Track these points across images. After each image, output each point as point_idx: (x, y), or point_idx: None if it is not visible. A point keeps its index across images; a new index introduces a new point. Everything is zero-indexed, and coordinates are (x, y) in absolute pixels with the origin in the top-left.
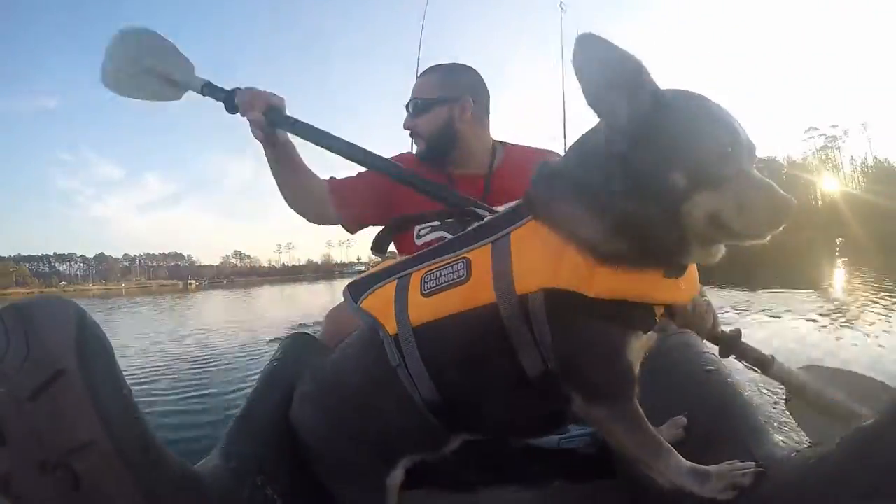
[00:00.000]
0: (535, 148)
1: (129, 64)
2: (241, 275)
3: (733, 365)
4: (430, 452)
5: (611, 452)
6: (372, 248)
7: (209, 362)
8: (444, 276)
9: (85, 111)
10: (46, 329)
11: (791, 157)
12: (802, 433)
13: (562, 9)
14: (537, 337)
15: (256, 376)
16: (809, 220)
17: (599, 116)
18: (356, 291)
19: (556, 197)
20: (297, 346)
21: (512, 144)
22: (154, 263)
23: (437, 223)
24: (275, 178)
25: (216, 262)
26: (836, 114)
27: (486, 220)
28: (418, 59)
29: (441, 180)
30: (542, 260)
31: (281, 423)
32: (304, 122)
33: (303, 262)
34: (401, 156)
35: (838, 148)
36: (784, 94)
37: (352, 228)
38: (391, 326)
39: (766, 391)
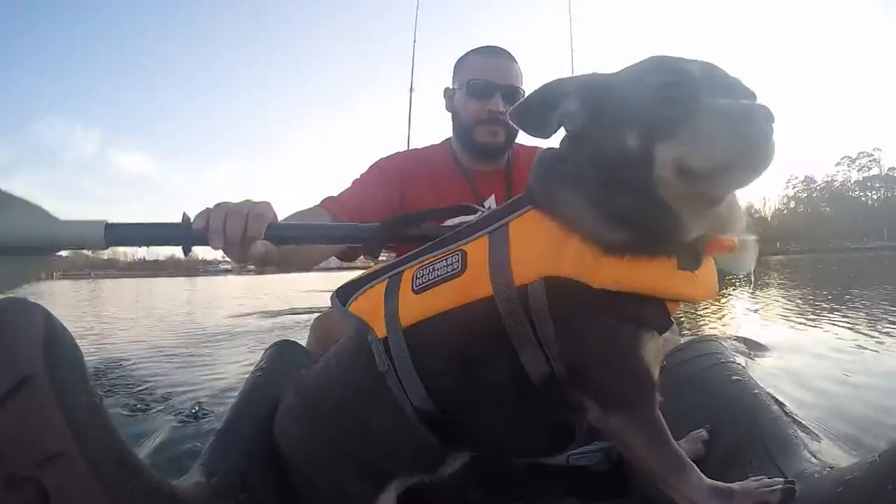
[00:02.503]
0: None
1: None
2: (99, 268)
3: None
4: (425, 473)
5: (624, 469)
6: (364, 253)
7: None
8: (438, 269)
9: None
10: (12, 333)
11: None
12: (836, 448)
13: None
14: (539, 334)
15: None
16: None
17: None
18: (344, 295)
19: (555, 185)
20: (282, 354)
21: (519, 143)
22: None
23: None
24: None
25: None
26: None
27: (484, 213)
28: (413, 58)
29: (460, 177)
30: (542, 248)
31: (265, 438)
32: (304, 224)
33: (161, 258)
34: (427, 149)
35: None
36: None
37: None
38: (380, 329)
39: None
